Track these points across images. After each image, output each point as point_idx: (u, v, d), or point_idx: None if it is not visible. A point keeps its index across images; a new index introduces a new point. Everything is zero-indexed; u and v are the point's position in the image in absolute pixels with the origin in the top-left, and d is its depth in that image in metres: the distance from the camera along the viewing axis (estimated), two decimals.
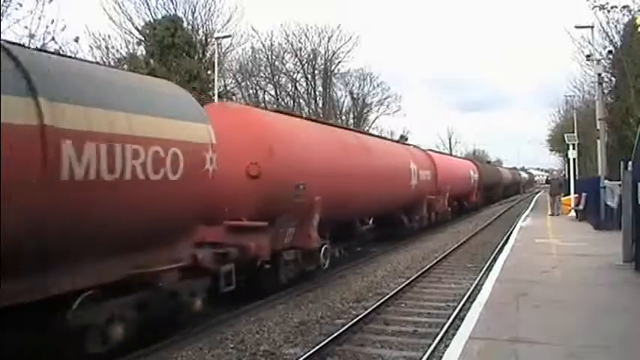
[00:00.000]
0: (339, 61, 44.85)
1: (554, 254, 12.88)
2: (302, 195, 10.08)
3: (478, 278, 11.56)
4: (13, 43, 6.14)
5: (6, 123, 4.83)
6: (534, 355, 5.67)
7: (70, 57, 8.87)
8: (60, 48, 16.99)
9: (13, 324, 5.27)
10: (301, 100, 44.02)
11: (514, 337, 6.16)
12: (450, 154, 51.79)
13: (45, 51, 8.38)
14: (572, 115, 36.70)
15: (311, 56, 43.95)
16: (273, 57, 42.57)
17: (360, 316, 8.45)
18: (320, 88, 44.41)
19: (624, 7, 21.81)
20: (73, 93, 5.62)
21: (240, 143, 8.95)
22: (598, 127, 21.45)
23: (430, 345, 7.13)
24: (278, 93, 43.13)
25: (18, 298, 5.13)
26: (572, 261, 11.86)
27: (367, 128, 44.38)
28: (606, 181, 18.43)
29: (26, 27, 15.66)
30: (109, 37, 29.48)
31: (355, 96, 48.26)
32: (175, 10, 31.80)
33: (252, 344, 7.35)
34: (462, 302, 9.35)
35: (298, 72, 44.10)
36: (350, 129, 18.79)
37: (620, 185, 13.73)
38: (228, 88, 35.62)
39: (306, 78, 44.23)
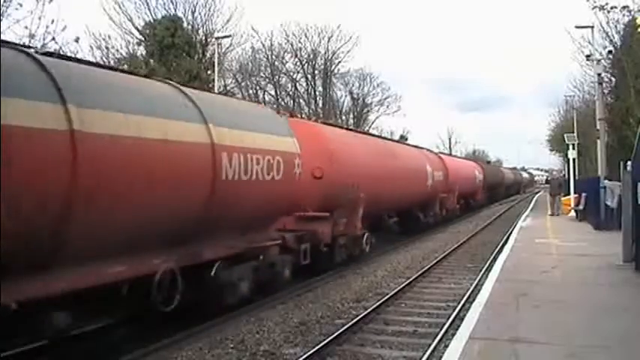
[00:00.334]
0: (339, 61, 44.96)
1: (554, 254, 12.89)
2: (352, 193, 12.56)
3: (478, 278, 11.56)
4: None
5: (195, 142, 7.26)
6: (534, 355, 5.67)
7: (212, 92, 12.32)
8: (60, 48, 16.99)
9: (187, 279, 7.39)
10: (301, 100, 44.07)
11: (514, 337, 6.16)
12: (450, 154, 51.79)
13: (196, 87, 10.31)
14: (572, 115, 36.70)
15: (311, 56, 44.02)
16: (273, 57, 42.65)
17: (360, 316, 8.45)
18: (320, 88, 44.45)
19: (624, 7, 21.83)
20: (230, 121, 8.18)
21: (308, 151, 10.69)
22: (598, 127, 21.46)
23: (430, 345, 7.12)
24: (278, 93, 43.17)
25: (190, 261, 7.46)
26: (572, 261, 11.86)
27: (367, 128, 44.40)
28: (606, 181, 18.42)
29: (26, 27, 15.67)
30: (109, 37, 29.52)
31: (355, 96, 48.33)
32: (175, 10, 31.86)
33: (252, 344, 7.35)
34: (462, 302, 9.34)
35: (298, 72, 44.19)
36: (379, 136, 21.36)
37: (620, 185, 13.73)
38: (228, 88, 35.61)
39: (306, 78, 44.28)
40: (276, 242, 9.67)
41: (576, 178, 29.39)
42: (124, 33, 30.59)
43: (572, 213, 24.15)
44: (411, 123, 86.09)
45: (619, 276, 10.10)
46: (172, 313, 7.20)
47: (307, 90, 44.39)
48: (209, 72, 30.90)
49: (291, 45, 43.13)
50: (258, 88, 42.01)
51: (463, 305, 9.07)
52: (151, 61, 29.05)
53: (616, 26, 25.64)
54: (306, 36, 43.31)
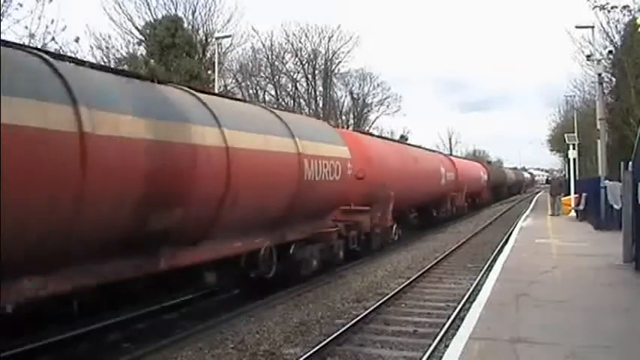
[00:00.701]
0: (339, 61, 44.96)
1: (554, 254, 12.88)
2: (385, 191, 14.97)
3: (478, 278, 11.55)
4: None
5: (288, 152, 9.58)
6: (534, 355, 5.66)
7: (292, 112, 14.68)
8: (60, 48, 16.99)
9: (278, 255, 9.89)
10: (301, 100, 44.05)
11: (514, 337, 6.16)
12: (451, 154, 51.82)
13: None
14: (573, 115, 36.74)
15: (311, 56, 44.01)
16: (274, 57, 42.64)
17: (360, 316, 8.45)
18: (320, 88, 44.43)
19: (624, 7, 21.82)
20: (308, 135, 10.51)
21: (353, 157, 12.69)
22: (598, 127, 21.44)
23: (430, 345, 7.11)
24: (278, 93, 43.16)
25: (279, 241, 9.87)
26: (572, 261, 11.86)
27: (367, 128, 44.40)
28: (607, 182, 18.40)
29: (26, 27, 15.67)
30: (109, 37, 29.53)
31: (355, 96, 48.35)
32: (175, 10, 31.89)
33: (252, 344, 7.35)
34: (462, 302, 9.34)
35: (298, 72, 44.19)
36: (403, 142, 24.71)
37: (621, 186, 13.72)
38: (228, 88, 35.61)
39: (307, 78, 44.26)
40: (336, 229, 12.23)
41: (577, 178, 29.39)
42: (124, 33, 30.69)
43: (573, 213, 24.16)
44: (411, 123, 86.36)
45: (619, 276, 10.10)
46: (264, 282, 9.74)
47: (307, 90, 44.40)
48: (209, 72, 30.91)
49: (292, 45, 43.20)
50: (258, 88, 42.03)
51: (463, 305, 9.06)
52: (151, 61, 29.06)
53: (616, 26, 25.72)
54: (306, 36, 43.38)
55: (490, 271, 11.34)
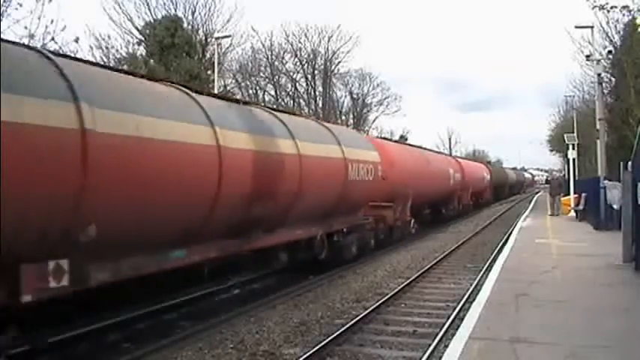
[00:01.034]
0: (339, 61, 44.91)
1: (554, 254, 12.89)
2: (405, 189, 17.20)
3: (478, 278, 11.56)
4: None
5: (337, 157, 11.78)
6: (534, 355, 5.66)
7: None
8: (60, 48, 16.97)
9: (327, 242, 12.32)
10: (301, 100, 44.02)
11: (514, 337, 6.16)
12: (450, 155, 51.95)
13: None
14: (572, 115, 36.71)
15: (311, 56, 43.97)
16: (273, 57, 42.60)
17: (359, 316, 8.45)
18: (320, 88, 44.40)
19: (624, 7, 21.76)
20: (350, 143, 12.81)
21: (372, 159, 14.41)
22: (598, 127, 21.45)
23: (430, 345, 7.12)
24: (278, 93, 43.13)
25: (328, 230, 12.11)
26: (572, 261, 11.86)
27: (367, 128, 44.52)
28: (606, 182, 18.41)
29: (26, 27, 15.65)
30: (108, 37, 29.50)
31: (355, 96, 48.32)
32: (175, 10, 31.84)
33: (252, 344, 7.35)
34: (462, 302, 9.35)
35: (298, 72, 44.14)
36: (418, 147, 25.83)
37: (620, 186, 13.72)
38: (228, 88, 35.59)
39: (306, 78, 44.24)
40: (368, 221, 14.60)
41: (576, 178, 29.39)
42: (124, 33, 30.62)
43: (572, 213, 24.16)
44: (411, 123, 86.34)
45: (619, 276, 10.10)
46: (317, 263, 12.09)
47: (307, 90, 44.36)
48: (209, 72, 30.89)
49: (291, 45, 43.17)
50: (258, 88, 41.99)
51: (463, 305, 9.07)
52: (151, 61, 29.03)
53: (616, 26, 25.68)
54: (306, 36, 43.35)
55: (490, 271, 11.34)
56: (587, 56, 24.34)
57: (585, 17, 35.02)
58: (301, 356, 6.68)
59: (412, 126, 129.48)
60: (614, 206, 17.31)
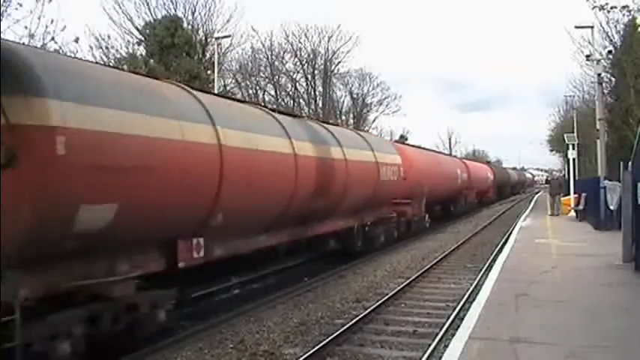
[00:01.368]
0: (339, 61, 44.82)
1: (554, 254, 12.89)
2: (421, 188, 19.32)
3: (478, 278, 11.56)
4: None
5: (371, 161, 14.24)
6: (534, 354, 5.67)
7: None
8: (60, 48, 16.97)
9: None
10: (301, 100, 43.97)
11: (514, 337, 6.16)
12: (450, 154, 52.09)
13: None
14: (572, 115, 36.69)
15: (311, 56, 43.91)
16: (273, 57, 42.53)
17: (359, 316, 8.45)
18: (320, 88, 44.34)
19: (624, 7, 21.78)
20: (381, 148, 15.44)
21: (396, 161, 16.60)
22: (598, 127, 21.44)
23: (430, 345, 7.12)
24: (278, 93, 43.07)
25: (361, 222, 14.22)
26: (572, 261, 11.86)
27: (367, 128, 44.36)
28: (606, 182, 18.40)
29: (26, 27, 15.64)
30: (108, 37, 29.45)
31: (355, 96, 48.26)
32: (175, 10, 31.78)
33: (252, 344, 7.35)
34: (462, 302, 9.34)
35: (298, 72, 44.06)
36: (431, 150, 28.95)
37: (620, 186, 13.71)
38: (228, 88, 35.56)
39: (306, 78, 44.18)
40: (393, 215, 16.78)
41: (576, 178, 29.38)
42: (124, 33, 30.57)
43: (572, 213, 24.15)
44: (411, 123, 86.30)
45: (619, 276, 10.10)
46: (352, 251, 14.10)
47: (307, 90, 44.31)
48: (209, 72, 30.86)
49: (291, 45, 43.09)
50: (258, 88, 41.92)
51: (463, 305, 9.06)
52: (151, 61, 29.00)
53: (616, 26, 25.65)
54: (306, 36, 43.28)
55: (490, 271, 11.34)
56: (587, 56, 24.32)
57: (585, 17, 34.98)
58: (301, 356, 6.69)
59: (412, 126, 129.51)
60: (611, 207, 17.33)
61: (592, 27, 23.44)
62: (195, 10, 32.39)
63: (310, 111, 41.65)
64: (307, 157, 10.40)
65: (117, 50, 29.83)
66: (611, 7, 21.58)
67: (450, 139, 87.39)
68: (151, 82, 7.77)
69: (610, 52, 25.39)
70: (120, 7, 30.61)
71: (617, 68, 26.35)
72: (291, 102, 42.74)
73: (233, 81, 38.55)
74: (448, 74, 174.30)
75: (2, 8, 14.48)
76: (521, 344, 5.91)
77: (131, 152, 6.08)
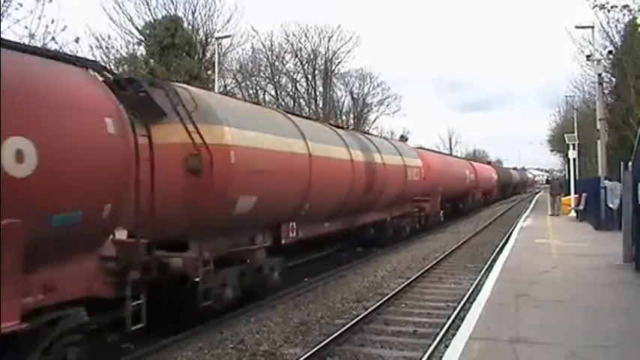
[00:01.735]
0: (339, 61, 44.81)
1: (554, 254, 12.88)
2: (436, 187, 21.93)
3: (478, 278, 11.56)
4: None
5: (399, 164, 17.43)
6: (534, 355, 5.66)
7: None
8: (60, 48, 16.95)
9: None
10: (301, 100, 43.95)
11: (514, 337, 6.16)
12: (450, 154, 52.11)
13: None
14: (573, 115, 36.67)
15: (311, 56, 43.91)
16: (273, 57, 42.53)
17: (360, 317, 8.46)
18: (320, 88, 44.33)
19: (624, 6, 21.72)
20: (408, 155, 19.02)
21: (418, 164, 19.50)
22: (598, 127, 21.43)
23: (430, 345, 7.12)
24: (278, 93, 43.06)
25: (390, 215, 17.26)
26: (572, 261, 11.86)
27: (367, 128, 44.35)
28: (607, 182, 18.39)
29: (26, 27, 15.62)
30: (109, 37, 29.43)
31: (355, 96, 48.27)
32: (175, 10, 31.74)
33: (252, 344, 7.35)
34: (462, 302, 9.34)
35: (298, 72, 44.06)
36: (443, 153, 32.03)
37: (620, 186, 13.70)
38: (228, 88, 35.55)
39: (307, 78, 44.17)
40: (415, 210, 19.54)
41: (576, 178, 29.37)
42: (124, 33, 30.54)
43: (573, 213, 24.15)
44: (411, 123, 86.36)
45: (619, 276, 10.10)
46: (382, 239, 16.80)
47: (307, 90, 44.30)
48: (209, 72, 30.85)
49: (292, 45, 43.09)
50: (258, 88, 41.92)
51: (463, 305, 9.06)
52: (151, 61, 28.98)
53: (616, 26, 25.63)
54: (306, 36, 43.27)
55: (490, 271, 11.34)
56: (588, 56, 24.29)
57: (586, 17, 35.03)
58: (301, 356, 6.69)
59: (412, 126, 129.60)
60: (611, 206, 17.32)
61: (592, 27, 23.44)
62: (195, 10, 32.39)
63: (310, 111, 41.62)
64: (359, 162, 13.40)
65: (117, 50, 29.85)
66: (612, 7, 21.51)
67: (450, 139, 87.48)
68: (264, 109, 11.90)
69: (610, 52, 25.36)
70: (120, 7, 30.59)
71: (618, 68, 26.33)
72: (292, 102, 42.72)
73: (233, 81, 38.56)
74: (448, 74, 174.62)
75: (2, 8, 14.49)
76: (521, 344, 5.91)
77: (264, 160, 8.83)
